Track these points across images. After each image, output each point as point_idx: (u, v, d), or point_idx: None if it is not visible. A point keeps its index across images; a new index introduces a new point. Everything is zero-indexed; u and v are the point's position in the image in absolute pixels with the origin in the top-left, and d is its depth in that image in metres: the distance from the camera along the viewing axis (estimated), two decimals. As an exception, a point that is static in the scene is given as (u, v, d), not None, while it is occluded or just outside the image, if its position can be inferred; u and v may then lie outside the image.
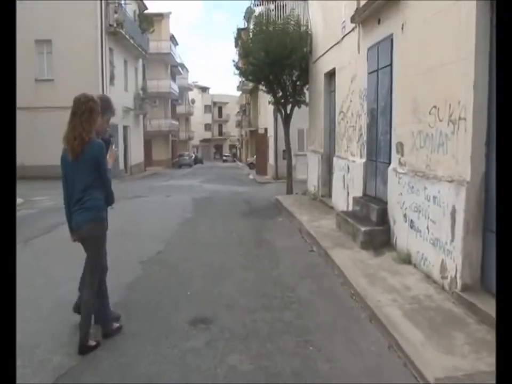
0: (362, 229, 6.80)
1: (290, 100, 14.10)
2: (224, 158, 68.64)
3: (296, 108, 14.47)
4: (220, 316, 4.46)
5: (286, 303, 4.86)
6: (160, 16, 39.80)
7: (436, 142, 5.43)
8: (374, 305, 4.73)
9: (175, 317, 4.40)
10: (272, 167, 24.04)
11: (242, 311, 4.58)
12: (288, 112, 14.41)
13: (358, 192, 8.33)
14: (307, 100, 13.89)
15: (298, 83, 13.86)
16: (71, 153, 3.55)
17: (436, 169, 5.43)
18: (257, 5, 15.51)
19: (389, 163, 6.93)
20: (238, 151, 67.93)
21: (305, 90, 14.07)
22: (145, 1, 31.90)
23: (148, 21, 31.81)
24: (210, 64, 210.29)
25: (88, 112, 3.56)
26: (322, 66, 11.39)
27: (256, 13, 13.33)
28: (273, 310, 4.65)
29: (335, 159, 10.24)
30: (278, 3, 15.03)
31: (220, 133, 78.24)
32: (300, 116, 14.91)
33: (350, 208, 8.64)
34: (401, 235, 6.37)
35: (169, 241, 7.59)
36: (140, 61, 32.45)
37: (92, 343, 3.73)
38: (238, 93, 56.79)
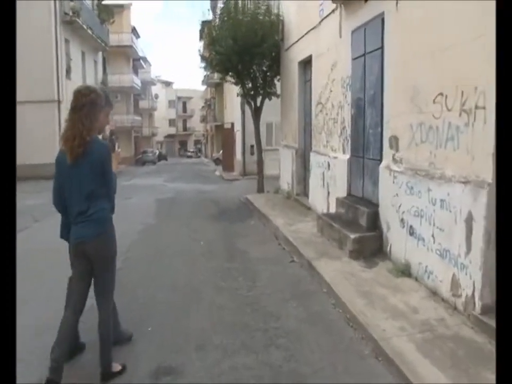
0: (352, 236, 5.92)
1: (261, 91, 13.11)
2: (189, 154, 67.34)
3: (266, 100, 13.51)
4: (189, 362, 3.45)
5: (271, 338, 3.89)
6: (121, 7, 38.01)
7: (442, 136, 4.59)
8: (379, 336, 3.85)
9: (133, 368, 3.37)
10: (240, 163, 23.06)
11: (217, 354, 3.58)
12: (259, 104, 13.41)
13: (341, 192, 7.45)
14: (278, 92, 12.94)
15: (269, 73, 12.89)
16: (70, 155, 3.05)
17: (443, 167, 4.59)
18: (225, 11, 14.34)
19: (380, 160, 6.07)
20: (203, 146, 66.76)
21: (276, 81, 13.12)
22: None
23: (108, 11, 30.06)
24: (174, 58, 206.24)
25: (89, 106, 3.11)
26: (296, 54, 10.45)
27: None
28: (257, 349, 3.67)
29: (312, 154, 9.35)
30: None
31: (185, 128, 76.68)
32: (268, 109, 13.96)
33: (332, 210, 7.77)
34: (398, 243, 5.53)
35: (127, 256, 6.48)
36: (100, 54, 30.67)
37: (117, 367, 3.29)
38: (203, 87, 55.71)
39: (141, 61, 47.26)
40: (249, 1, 12.36)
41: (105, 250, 3.20)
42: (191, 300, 4.82)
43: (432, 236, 4.75)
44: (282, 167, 12.41)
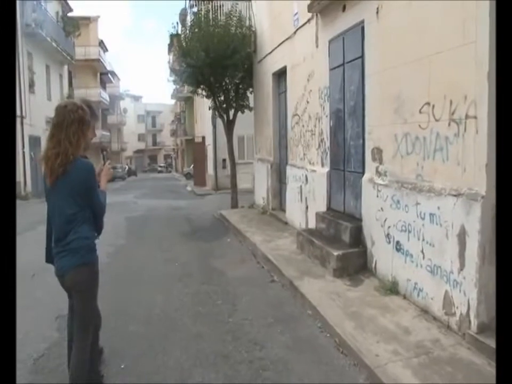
0: (335, 253, 5.64)
1: (233, 104, 12.84)
2: (159, 168, 66.39)
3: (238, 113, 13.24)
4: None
5: (257, 370, 3.54)
6: (87, 20, 37.21)
7: (430, 147, 4.39)
8: (373, 363, 3.57)
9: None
10: (212, 177, 22.69)
11: (199, 394, 3.21)
12: (231, 117, 13.13)
13: (321, 207, 7.20)
14: (251, 104, 12.70)
15: (241, 86, 12.63)
16: (50, 175, 2.81)
17: (431, 180, 4.39)
18: (193, 6, 14.04)
19: (362, 172, 5.85)
20: (174, 161, 66.02)
21: (248, 94, 12.88)
22: (70, 2, 29.47)
23: (73, 24, 29.35)
24: (143, 72, 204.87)
25: (77, 124, 2.87)
26: (269, 66, 10.24)
27: (194, 10, 11.87)
28: (242, 384, 3.31)
29: (288, 168, 9.10)
30: (215, 3, 13.68)
31: (154, 143, 75.68)
32: (240, 122, 13.67)
33: (311, 225, 7.50)
34: (383, 259, 5.29)
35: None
36: (65, 67, 29.82)
37: None
38: (173, 101, 55.19)
39: (109, 75, 46.41)
40: (220, 11, 12.12)
41: (82, 284, 2.91)
42: (168, 330, 4.39)
43: (422, 251, 4.52)
44: (257, 181, 12.12)
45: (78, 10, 62.31)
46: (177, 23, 12.81)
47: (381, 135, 5.32)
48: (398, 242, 4.97)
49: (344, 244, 5.91)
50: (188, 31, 11.72)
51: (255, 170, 12.39)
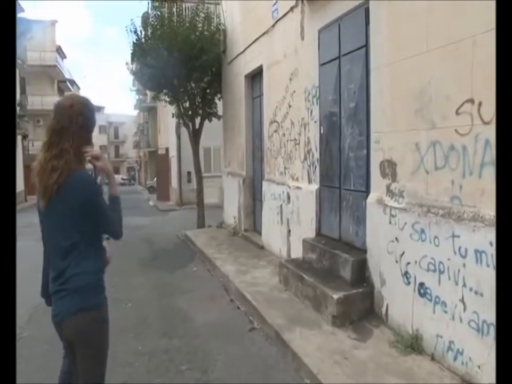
0: (335, 295, 4.38)
1: (200, 111, 11.50)
2: (122, 181, 64.02)
3: (205, 122, 11.91)
4: None
5: None
6: (41, 23, 35.08)
7: (474, 159, 3.23)
8: None
9: None
10: (176, 191, 21.20)
11: None
12: (197, 126, 11.77)
13: (308, 231, 5.96)
14: (220, 112, 11.42)
15: (208, 91, 11.31)
16: (43, 195, 2.17)
17: (476, 204, 3.22)
18: (156, 7, 12.66)
19: (367, 191, 4.65)
20: (137, 173, 63.92)
21: (217, 100, 11.59)
22: (21, 2, 27.48)
23: (25, 26, 27.40)
24: (105, 82, 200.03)
25: (86, 129, 2.29)
26: (242, 67, 8.99)
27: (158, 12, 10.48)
28: None
29: (265, 184, 7.83)
30: (181, 5, 12.34)
31: (117, 155, 73.27)
32: (206, 132, 12.31)
33: (296, 253, 6.25)
34: (399, 303, 4.10)
35: (23, 335, 4.55)
36: (16, 72, 27.80)
37: None
38: (136, 112, 53.54)
39: (68, 83, 44.16)
40: (185, 8, 10.81)
41: (87, 334, 2.23)
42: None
43: (462, 300, 3.33)
44: (226, 197, 10.78)
45: (32, 12, 59.81)
46: (140, 30, 11.28)
47: (395, 144, 4.14)
48: (422, 284, 3.77)
49: (344, 282, 4.68)
50: (148, 28, 10.30)
51: (224, 186, 11.05)
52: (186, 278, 6.99)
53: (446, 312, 3.51)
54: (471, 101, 3.25)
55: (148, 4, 10.53)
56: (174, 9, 10.83)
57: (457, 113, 3.39)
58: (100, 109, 72.62)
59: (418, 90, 3.78)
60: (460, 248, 3.35)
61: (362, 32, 4.56)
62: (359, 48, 4.66)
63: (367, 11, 4.47)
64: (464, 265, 3.31)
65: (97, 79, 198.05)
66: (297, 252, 6.18)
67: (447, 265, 3.48)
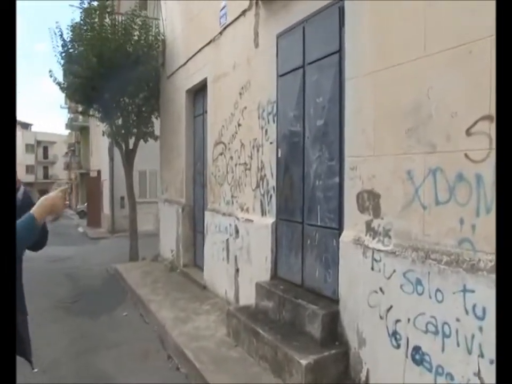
0: (303, 362, 3.42)
1: (134, 130, 10.33)
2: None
3: (140, 143, 10.75)
4: None
5: None
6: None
7: (493, 192, 2.45)
8: None
9: None
10: (108, 217, 19.58)
11: None
12: (131, 147, 10.56)
13: (261, 272, 5.01)
14: (157, 132, 10.32)
15: (144, 108, 10.19)
16: None
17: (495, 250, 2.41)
18: (88, 16, 11.43)
19: (339, 229, 3.79)
20: (68, 196, 60.49)
21: (154, 119, 10.50)
22: None
23: None
24: (33, 99, 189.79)
25: None
26: (183, 81, 8.00)
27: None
28: None
29: (208, 214, 6.81)
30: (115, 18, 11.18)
31: (46, 176, 68.99)
32: (141, 155, 11.17)
33: (246, 297, 5.28)
34: (384, 369, 3.22)
35: None
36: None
37: None
38: (67, 132, 50.76)
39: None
40: (120, 17, 9.69)
41: None
42: None
43: (477, 374, 2.50)
44: (163, 228, 9.59)
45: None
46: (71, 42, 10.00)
47: (378, 172, 3.31)
48: (417, 349, 2.92)
49: (311, 340, 3.74)
50: (76, 31, 9.04)
51: (161, 214, 9.87)
52: (114, 326, 5.75)
53: (453, 389, 2.68)
54: (489, 118, 2.49)
55: (80, 16, 9.27)
56: (107, 20, 9.70)
57: (468, 133, 2.62)
58: (26, 125, 68.61)
59: (412, 105, 2.99)
60: (474, 306, 2.53)
61: (335, 36, 3.75)
62: (330, 55, 3.85)
63: (341, 11, 3.68)
64: (480, 329, 2.49)
65: (25, 94, 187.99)
66: (247, 295, 5.21)
67: (455, 328, 2.65)
